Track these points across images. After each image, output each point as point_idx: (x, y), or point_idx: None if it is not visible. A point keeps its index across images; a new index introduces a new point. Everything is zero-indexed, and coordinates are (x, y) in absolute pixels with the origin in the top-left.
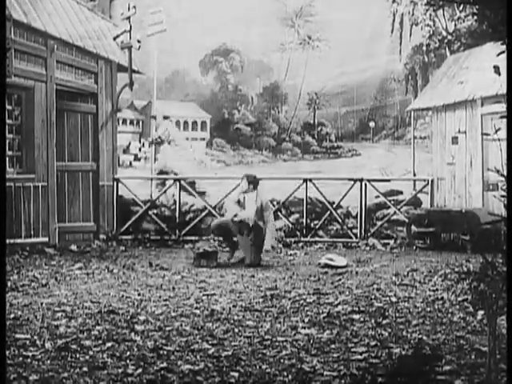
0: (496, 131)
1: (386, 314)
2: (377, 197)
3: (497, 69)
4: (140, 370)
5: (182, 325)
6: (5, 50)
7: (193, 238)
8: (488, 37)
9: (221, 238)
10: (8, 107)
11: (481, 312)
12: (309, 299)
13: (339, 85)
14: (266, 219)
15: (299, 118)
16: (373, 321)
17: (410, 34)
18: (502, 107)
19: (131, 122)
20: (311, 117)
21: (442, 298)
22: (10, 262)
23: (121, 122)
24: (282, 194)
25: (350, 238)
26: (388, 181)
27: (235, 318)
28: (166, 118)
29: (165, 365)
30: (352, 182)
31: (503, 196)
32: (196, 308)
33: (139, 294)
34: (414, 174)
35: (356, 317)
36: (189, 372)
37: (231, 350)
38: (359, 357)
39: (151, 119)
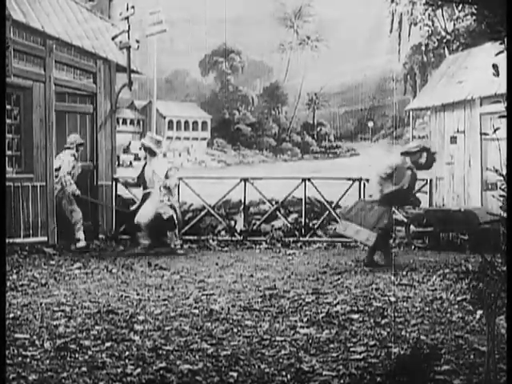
0: (495, 131)
1: (385, 313)
2: None
3: (496, 68)
4: (139, 370)
5: (180, 324)
6: (4, 49)
7: (192, 237)
8: (487, 36)
9: None
10: (7, 107)
11: (479, 311)
12: (308, 299)
13: (338, 85)
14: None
15: (299, 118)
16: (372, 320)
17: (409, 34)
18: (500, 107)
19: (131, 122)
20: (311, 117)
21: (441, 297)
22: (9, 261)
23: (121, 121)
24: (281, 194)
25: (349, 237)
26: None
27: (234, 317)
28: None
29: (164, 364)
30: (351, 182)
31: (502, 196)
32: (195, 308)
33: (138, 294)
34: None
35: (355, 316)
36: (188, 372)
37: (230, 349)
38: (358, 356)
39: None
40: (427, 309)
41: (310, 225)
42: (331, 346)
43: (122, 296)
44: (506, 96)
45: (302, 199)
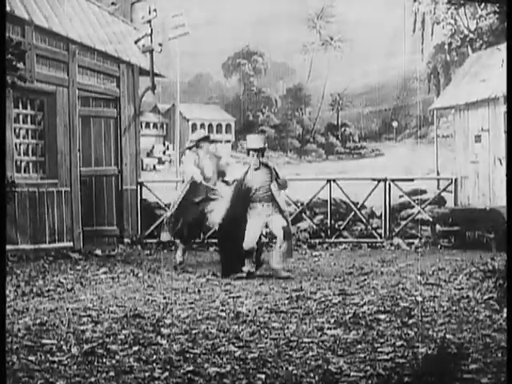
0: None
1: (412, 313)
2: (401, 196)
3: None
4: (167, 374)
5: (207, 327)
6: (4, 49)
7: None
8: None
9: None
10: (31, 112)
11: (506, 310)
12: (334, 300)
13: (361, 85)
14: None
15: (323, 119)
16: (399, 320)
17: (432, 33)
18: None
19: (155, 126)
20: (334, 118)
21: (468, 296)
22: (35, 267)
23: (144, 125)
24: (306, 196)
25: (375, 238)
26: (412, 180)
27: (261, 319)
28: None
29: (191, 368)
30: (376, 182)
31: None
32: (222, 310)
33: (165, 298)
34: (438, 173)
35: (382, 317)
36: (215, 374)
37: (257, 351)
38: (385, 357)
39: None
40: (454, 308)
41: (336, 226)
42: (358, 346)
43: (148, 300)
44: (506, 96)
45: (327, 200)
